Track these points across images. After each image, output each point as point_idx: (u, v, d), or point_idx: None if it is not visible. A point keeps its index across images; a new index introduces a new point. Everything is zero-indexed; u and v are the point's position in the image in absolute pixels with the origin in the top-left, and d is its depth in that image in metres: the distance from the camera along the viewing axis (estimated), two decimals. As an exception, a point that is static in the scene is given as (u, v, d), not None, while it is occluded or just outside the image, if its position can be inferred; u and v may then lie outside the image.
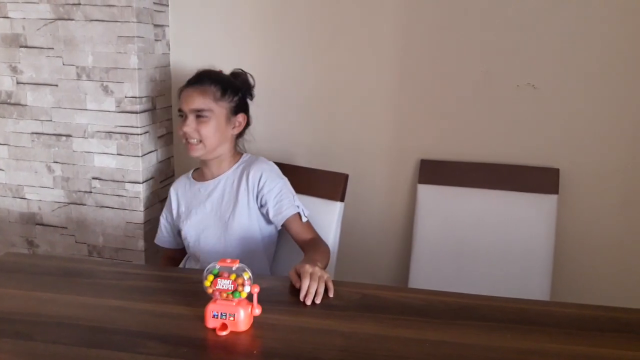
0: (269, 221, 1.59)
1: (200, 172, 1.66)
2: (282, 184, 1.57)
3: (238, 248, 1.56)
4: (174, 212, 1.67)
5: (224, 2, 1.96)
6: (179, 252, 1.74)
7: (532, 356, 1.02)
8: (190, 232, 1.60)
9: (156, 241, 1.76)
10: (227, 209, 1.56)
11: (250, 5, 1.94)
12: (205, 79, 1.57)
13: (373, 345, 1.04)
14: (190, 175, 1.69)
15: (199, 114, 1.54)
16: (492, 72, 1.84)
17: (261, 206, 1.57)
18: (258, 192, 1.55)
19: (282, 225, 1.56)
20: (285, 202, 1.54)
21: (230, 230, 1.55)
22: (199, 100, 1.54)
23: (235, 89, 1.60)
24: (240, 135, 1.65)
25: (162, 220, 1.72)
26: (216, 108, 1.55)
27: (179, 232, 1.68)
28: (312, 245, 1.50)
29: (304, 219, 1.56)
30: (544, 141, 1.86)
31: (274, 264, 1.67)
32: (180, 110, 1.58)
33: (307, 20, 1.91)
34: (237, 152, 1.66)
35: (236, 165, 1.62)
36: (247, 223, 1.56)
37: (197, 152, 1.56)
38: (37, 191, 1.97)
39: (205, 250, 1.59)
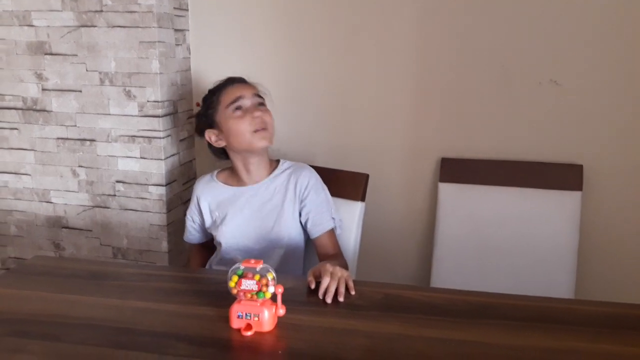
0: (304, 228, 1.57)
1: (232, 176, 1.60)
2: (324, 194, 1.56)
3: (279, 255, 1.53)
4: (207, 219, 1.60)
5: (243, 6, 1.97)
6: (210, 242, 1.68)
7: (557, 355, 1.01)
8: (227, 236, 1.55)
9: (186, 239, 1.70)
10: (271, 217, 1.53)
11: (268, 8, 1.95)
12: (243, 79, 1.58)
13: (397, 345, 1.04)
14: (215, 178, 1.61)
15: (260, 102, 1.53)
16: (513, 69, 1.82)
17: (300, 214, 1.54)
18: (302, 200, 1.53)
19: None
20: (326, 214, 1.53)
21: (273, 237, 1.52)
22: (255, 88, 1.55)
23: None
24: None
25: (190, 223, 1.66)
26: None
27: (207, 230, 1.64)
28: (333, 258, 1.48)
29: (338, 231, 1.56)
30: (567, 137, 1.83)
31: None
32: (233, 103, 1.50)
33: (325, 21, 1.92)
34: (272, 159, 1.62)
35: (276, 172, 1.57)
36: (291, 231, 1.53)
37: (267, 139, 1.50)
38: (62, 195, 2.00)
39: (243, 256, 1.52)
